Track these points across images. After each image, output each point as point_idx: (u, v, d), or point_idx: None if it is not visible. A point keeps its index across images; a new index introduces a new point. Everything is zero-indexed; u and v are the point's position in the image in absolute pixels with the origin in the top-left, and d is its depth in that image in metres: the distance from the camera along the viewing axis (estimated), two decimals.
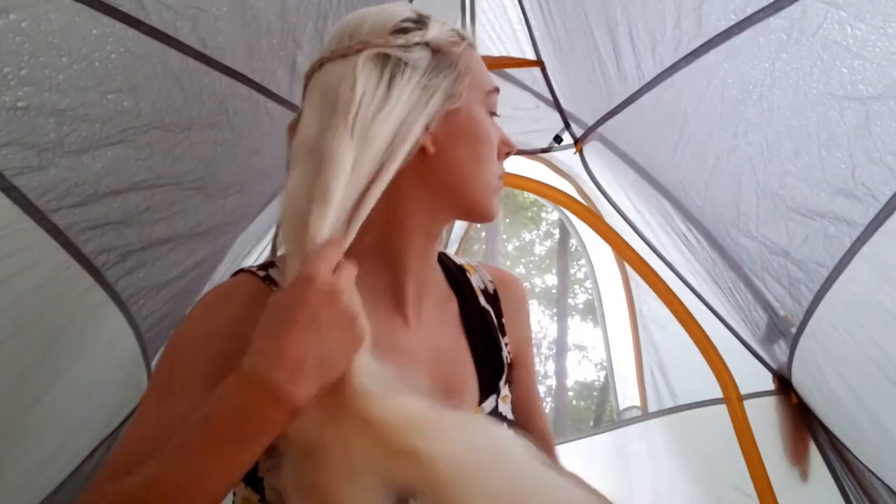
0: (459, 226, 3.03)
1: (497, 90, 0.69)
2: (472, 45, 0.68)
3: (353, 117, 0.57)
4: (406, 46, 0.61)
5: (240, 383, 0.47)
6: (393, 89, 0.59)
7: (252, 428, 0.46)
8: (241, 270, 0.65)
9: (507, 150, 0.69)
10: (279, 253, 0.63)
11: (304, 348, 0.47)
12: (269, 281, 0.62)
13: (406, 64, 0.61)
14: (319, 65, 0.63)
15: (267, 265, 0.65)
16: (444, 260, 0.78)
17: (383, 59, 0.60)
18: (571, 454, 2.32)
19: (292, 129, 0.65)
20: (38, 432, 1.18)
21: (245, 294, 0.61)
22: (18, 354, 1.05)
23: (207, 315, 0.60)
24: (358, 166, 0.57)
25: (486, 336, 0.74)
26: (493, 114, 0.69)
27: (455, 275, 0.78)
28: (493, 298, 0.78)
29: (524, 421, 0.75)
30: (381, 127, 0.58)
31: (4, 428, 1.10)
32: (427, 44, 0.62)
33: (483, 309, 0.76)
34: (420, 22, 0.64)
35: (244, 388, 0.46)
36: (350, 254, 0.58)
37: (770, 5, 1.02)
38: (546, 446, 0.77)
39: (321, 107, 0.60)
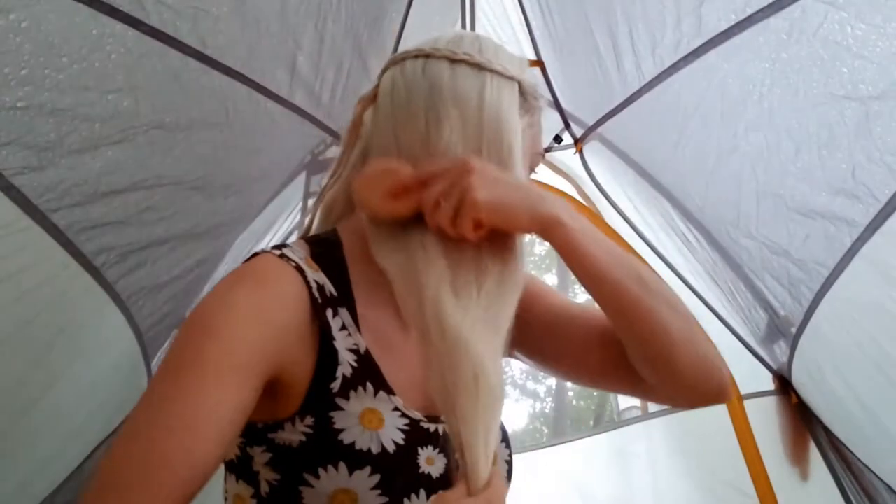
0: None
1: (543, 155, 0.71)
2: (541, 109, 0.70)
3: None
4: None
5: None
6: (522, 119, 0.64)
7: None
8: (258, 253, 0.62)
9: None
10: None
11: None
12: (286, 259, 0.60)
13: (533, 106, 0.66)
14: (440, 59, 0.63)
15: (281, 246, 0.64)
16: None
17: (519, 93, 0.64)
18: (571, 454, 2.32)
19: (363, 102, 0.67)
20: (38, 432, 1.18)
21: (275, 276, 0.57)
22: (18, 354, 1.05)
23: (243, 299, 0.54)
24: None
25: None
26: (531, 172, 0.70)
27: None
28: None
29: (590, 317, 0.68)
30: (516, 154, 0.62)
31: (4, 428, 1.10)
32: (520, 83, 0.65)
33: None
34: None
35: None
36: (353, 261, 0.61)
37: (770, 5, 1.02)
38: None
39: (446, 105, 0.61)
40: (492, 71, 0.62)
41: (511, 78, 0.63)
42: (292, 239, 0.73)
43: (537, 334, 0.70)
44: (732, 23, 1.10)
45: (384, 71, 0.66)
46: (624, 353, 0.63)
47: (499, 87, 0.62)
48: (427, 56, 0.63)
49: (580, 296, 10.50)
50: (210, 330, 0.51)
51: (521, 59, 0.67)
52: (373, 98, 0.67)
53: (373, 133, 0.65)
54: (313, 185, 1.69)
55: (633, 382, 0.64)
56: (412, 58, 0.64)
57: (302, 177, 1.68)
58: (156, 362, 1.50)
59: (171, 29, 1.02)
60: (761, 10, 1.04)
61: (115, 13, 0.94)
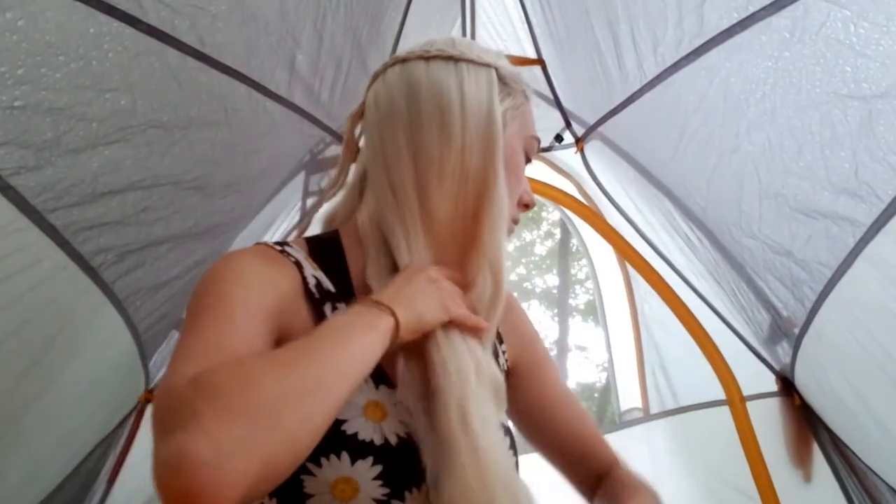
0: None
1: (539, 141, 0.72)
2: (526, 96, 0.71)
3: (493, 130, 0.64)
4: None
5: (361, 304, 0.57)
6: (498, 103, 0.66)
7: (368, 333, 0.53)
8: (258, 244, 0.65)
9: (526, 200, 0.70)
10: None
11: (411, 297, 0.59)
12: (286, 255, 0.63)
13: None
14: (416, 59, 0.65)
15: (282, 243, 0.66)
16: None
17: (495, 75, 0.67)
18: None
19: (352, 119, 0.70)
20: (36, 433, 1.18)
21: (271, 256, 0.62)
22: (16, 355, 1.05)
23: (255, 261, 0.60)
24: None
25: None
26: (528, 160, 0.71)
27: None
28: None
29: (567, 431, 0.81)
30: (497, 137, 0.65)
31: (2, 428, 1.09)
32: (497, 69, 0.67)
33: None
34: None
35: (365, 305, 0.56)
36: (353, 259, 0.65)
37: (772, 4, 1.01)
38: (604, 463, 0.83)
39: (422, 101, 0.63)
40: (467, 61, 0.64)
41: (487, 65, 0.65)
42: (291, 239, 0.75)
43: (520, 405, 0.78)
44: (734, 21, 1.10)
45: (368, 87, 0.68)
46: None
47: (476, 76, 0.64)
48: (403, 61, 0.65)
49: (580, 296, 10.52)
50: (226, 281, 0.55)
51: (498, 52, 0.69)
52: (360, 114, 0.69)
53: (366, 149, 0.68)
54: (313, 185, 1.68)
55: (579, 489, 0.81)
56: (391, 66, 0.66)
57: (301, 176, 1.67)
58: (154, 362, 1.49)
59: (168, 27, 1.02)
60: (763, 8, 1.03)
61: (112, 11, 0.93)
